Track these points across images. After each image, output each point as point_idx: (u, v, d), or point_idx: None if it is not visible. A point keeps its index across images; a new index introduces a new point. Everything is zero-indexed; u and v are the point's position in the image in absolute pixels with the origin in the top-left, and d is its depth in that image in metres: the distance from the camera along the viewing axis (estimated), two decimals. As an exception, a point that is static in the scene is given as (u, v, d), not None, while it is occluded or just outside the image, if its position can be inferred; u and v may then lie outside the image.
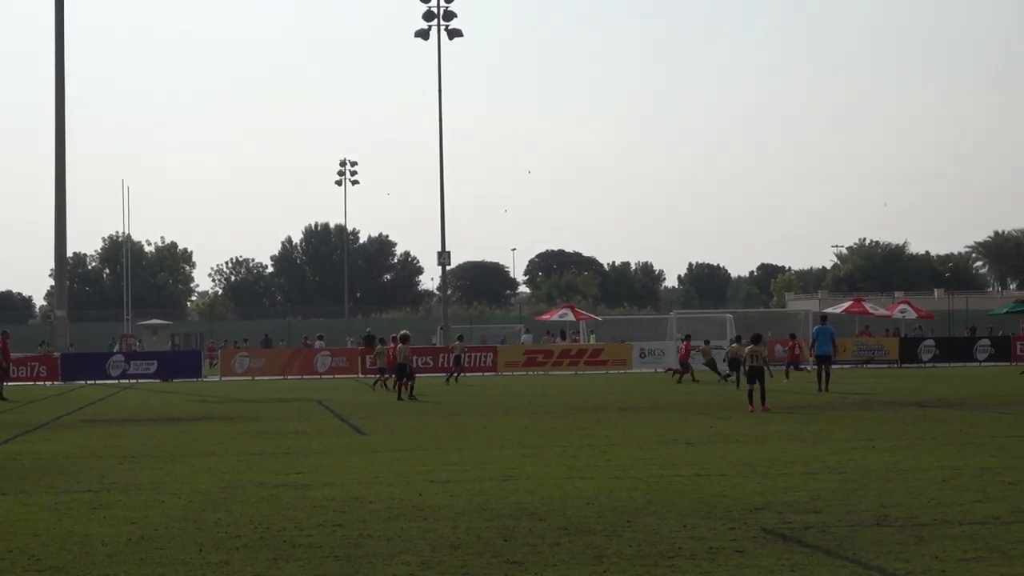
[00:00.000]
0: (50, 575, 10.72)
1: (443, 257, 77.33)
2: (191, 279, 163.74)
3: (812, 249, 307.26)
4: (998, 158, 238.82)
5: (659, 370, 59.74)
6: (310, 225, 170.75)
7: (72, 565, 11.05)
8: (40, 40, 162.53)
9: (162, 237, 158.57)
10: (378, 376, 46.32)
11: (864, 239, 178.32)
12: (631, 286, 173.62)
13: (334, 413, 32.16)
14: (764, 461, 18.50)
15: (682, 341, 50.63)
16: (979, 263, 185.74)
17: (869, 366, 62.37)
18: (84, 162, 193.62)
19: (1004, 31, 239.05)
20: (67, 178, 62.48)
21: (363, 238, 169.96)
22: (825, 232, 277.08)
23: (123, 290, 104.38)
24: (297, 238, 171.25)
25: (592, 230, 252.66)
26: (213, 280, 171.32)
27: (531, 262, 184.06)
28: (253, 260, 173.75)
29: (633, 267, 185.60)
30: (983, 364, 63.62)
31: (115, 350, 70.76)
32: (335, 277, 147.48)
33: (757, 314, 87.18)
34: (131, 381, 57.49)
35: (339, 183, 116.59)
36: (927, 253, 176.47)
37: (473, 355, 60.87)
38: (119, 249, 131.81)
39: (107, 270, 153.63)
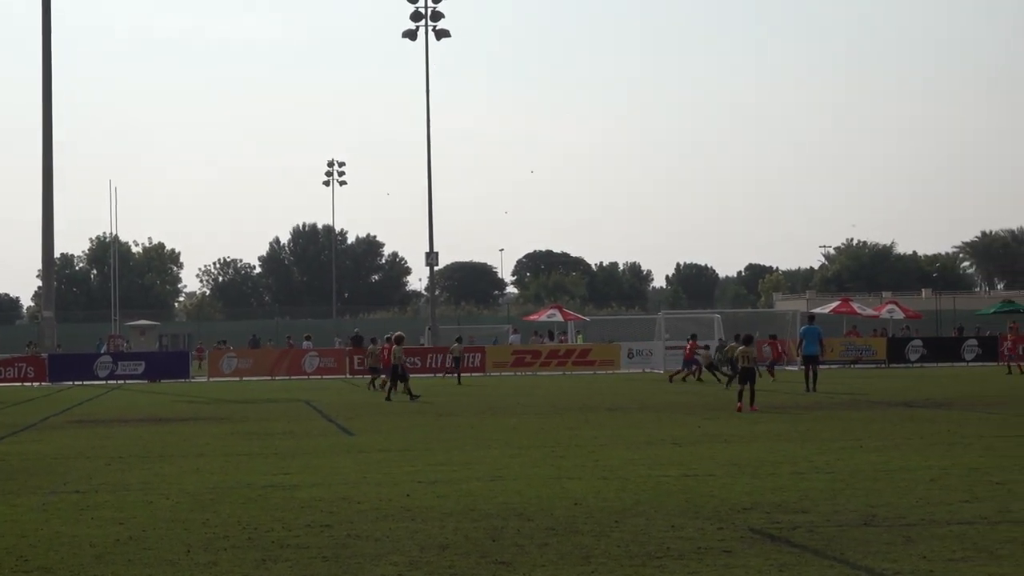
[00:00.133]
0: (38, 575, 10.73)
1: (431, 258, 77.31)
2: (179, 280, 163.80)
3: (800, 249, 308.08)
4: (986, 159, 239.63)
5: (646, 370, 59.79)
6: (298, 225, 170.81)
7: (60, 566, 11.03)
8: (27, 41, 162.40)
9: (149, 238, 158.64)
10: (373, 376, 46.29)
11: (852, 239, 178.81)
12: (619, 286, 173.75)
13: (322, 414, 32.14)
14: (752, 461, 18.51)
15: (688, 340, 50.60)
16: (966, 263, 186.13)
17: (857, 366, 62.43)
18: (71, 163, 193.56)
19: (993, 33, 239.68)
20: (54, 179, 62.52)
21: (351, 239, 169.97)
22: (813, 232, 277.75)
23: (111, 291, 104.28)
24: (285, 239, 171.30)
25: (580, 230, 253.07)
26: (201, 281, 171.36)
27: (519, 262, 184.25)
28: (241, 261, 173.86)
29: (621, 267, 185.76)
30: (970, 364, 63.75)
31: (103, 351, 70.63)
32: (323, 278, 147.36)
33: (745, 314, 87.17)
34: (119, 382, 57.42)
35: (327, 183, 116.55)
36: (915, 253, 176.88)
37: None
38: (106, 250, 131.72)
39: (95, 271, 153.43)
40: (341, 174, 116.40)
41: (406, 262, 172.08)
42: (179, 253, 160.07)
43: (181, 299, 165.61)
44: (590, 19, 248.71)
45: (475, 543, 11.84)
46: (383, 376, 43.43)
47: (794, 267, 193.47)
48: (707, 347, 49.56)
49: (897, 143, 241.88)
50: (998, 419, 26.79)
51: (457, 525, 12.89)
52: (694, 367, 48.25)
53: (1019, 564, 10.53)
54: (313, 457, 20.33)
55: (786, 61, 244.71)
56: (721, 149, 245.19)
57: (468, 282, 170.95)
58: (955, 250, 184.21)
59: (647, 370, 61.03)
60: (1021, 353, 55.39)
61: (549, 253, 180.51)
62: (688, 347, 49.74)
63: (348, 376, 59.69)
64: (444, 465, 18.68)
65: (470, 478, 16.89)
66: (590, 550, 11.39)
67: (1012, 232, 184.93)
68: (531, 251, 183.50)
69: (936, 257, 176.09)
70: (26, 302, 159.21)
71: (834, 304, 75.17)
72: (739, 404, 29.87)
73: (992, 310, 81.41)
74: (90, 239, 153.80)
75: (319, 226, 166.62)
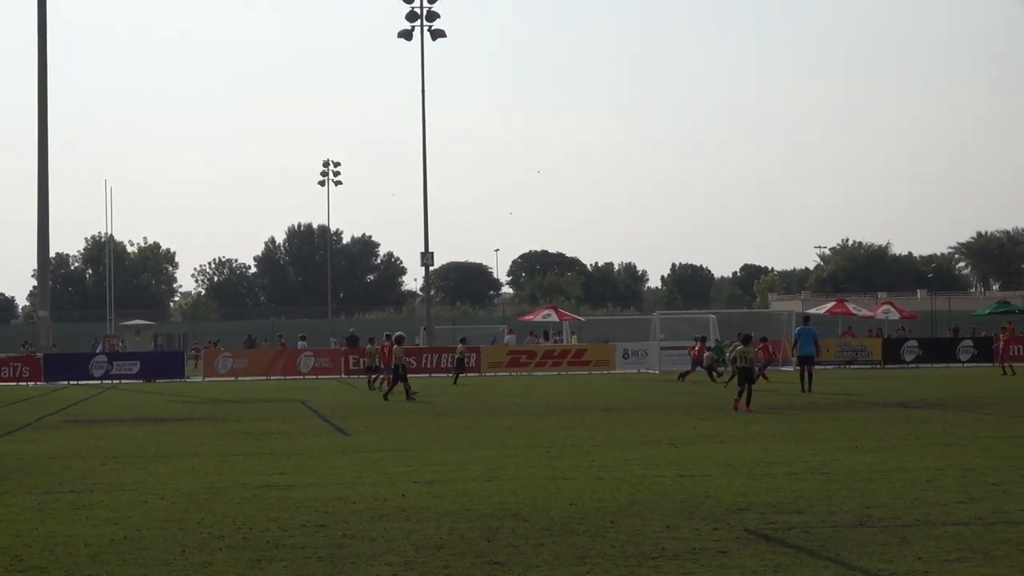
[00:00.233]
0: (33, 575, 10.73)
1: (426, 258, 77.27)
2: (174, 280, 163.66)
3: (795, 250, 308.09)
4: (981, 159, 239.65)
5: (641, 370, 59.81)
6: (293, 225, 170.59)
7: (55, 566, 11.03)
8: (22, 40, 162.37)
9: (145, 238, 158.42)
10: (370, 376, 46.29)
11: (847, 240, 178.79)
12: (614, 287, 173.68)
13: (317, 414, 32.13)
14: (747, 462, 18.52)
15: (696, 341, 50.58)
16: (962, 264, 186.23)
17: (852, 367, 62.46)
18: (67, 162, 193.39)
19: (988, 35, 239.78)
20: (50, 178, 62.43)
21: (346, 239, 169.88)
22: (808, 233, 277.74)
23: (106, 290, 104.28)
24: (280, 238, 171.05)
25: (575, 231, 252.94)
26: (196, 281, 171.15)
27: (514, 263, 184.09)
28: (236, 260, 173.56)
29: (616, 268, 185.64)
30: (966, 365, 63.78)
31: (98, 351, 70.55)
32: (318, 277, 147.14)
33: (740, 315, 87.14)
34: (114, 382, 57.39)
35: (322, 184, 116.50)
36: (910, 254, 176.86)
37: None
38: (102, 249, 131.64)
39: (90, 270, 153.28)
40: (336, 174, 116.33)
41: (401, 262, 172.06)
42: (174, 253, 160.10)
43: (176, 299, 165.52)
44: (588, 19, 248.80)
45: (470, 543, 11.85)
46: (383, 375, 43.49)
47: (789, 268, 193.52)
48: (710, 349, 49.60)
49: (893, 144, 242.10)
50: (993, 420, 26.81)
51: (452, 525, 12.89)
52: (698, 368, 48.39)
53: (1014, 565, 10.54)
54: (308, 457, 20.33)
55: (781, 63, 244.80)
56: (716, 150, 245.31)
57: (463, 282, 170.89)
58: (951, 251, 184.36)
59: (642, 370, 61.03)
60: (1013, 354, 55.45)
61: (544, 253, 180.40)
62: (696, 348, 49.73)
63: (343, 376, 59.67)
64: (440, 465, 18.68)
65: (465, 478, 16.89)
66: (585, 550, 11.40)
67: (1007, 233, 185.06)
68: (526, 251, 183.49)
69: (932, 258, 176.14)
70: (21, 302, 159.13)
71: (829, 305, 75.22)
72: (736, 401, 29.91)
73: (987, 311, 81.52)
74: (86, 239, 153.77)
75: (314, 226, 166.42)
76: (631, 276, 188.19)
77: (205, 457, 20.67)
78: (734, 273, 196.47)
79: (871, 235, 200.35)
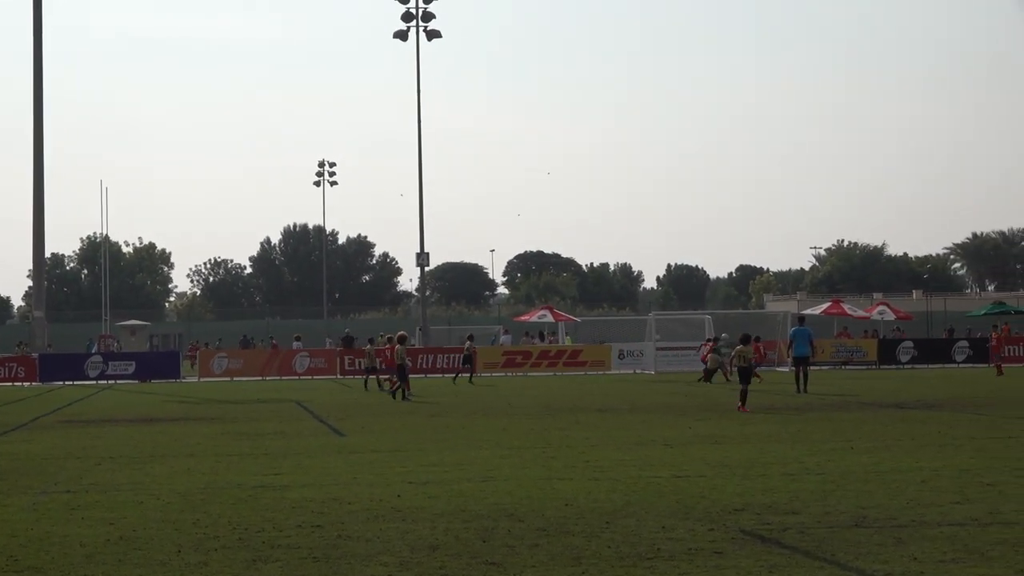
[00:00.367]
0: (28, 575, 10.72)
1: (422, 258, 77.25)
2: (169, 280, 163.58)
3: (791, 251, 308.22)
4: (976, 160, 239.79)
5: (637, 371, 59.81)
6: (289, 226, 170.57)
7: (50, 566, 11.03)
8: (18, 39, 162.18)
9: (140, 238, 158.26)
10: (368, 375, 46.27)
11: (843, 240, 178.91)
12: (610, 287, 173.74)
13: (313, 414, 32.12)
14: (743, 462, 18.53)
15: (706, 342, 50.48)
16: (957, 265, 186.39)
17: (847, 367, 62.49)
18: (63, 162, 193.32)
19: (985, 36, 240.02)
20: (45, 178, 62.40)
21: (342, 239, 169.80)
22: (804, 233, 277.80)
23: (101, 291, 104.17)
24: (276, 239, 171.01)
25: (571, 231, 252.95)
26: (191, 281, 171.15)
27: (510, 263, 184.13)
28: (232, 261, 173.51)
29: (612, 268, 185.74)
30: (961, 365, 63.81)
31: (93, 351, 70.57)
32: (314, 278, 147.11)
33: (736, 315, 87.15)
34: (109, 382, 57.38)
35: (318, 184, 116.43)
36: (905, 255, 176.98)
37: (452, 356, 60.95)
38: (97, 250, 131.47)
39: (85, 271, 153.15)
40: (332, 174, 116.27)
41: (397, 262, 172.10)
42: (170, 253, 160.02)
43: (172, 299, 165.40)
44: (586, 20, 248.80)
45: (466, 544, 11.85)
46: (387, 377, 43.49)
47: (785, 268, 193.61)
48: (718, 351, 49.53)
49: (888, 145, 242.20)
50: (988, 420, 26.83)
51: (448, 526, 12.89)
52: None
53: (1009, 565, 10.55)
54: (304, 457, 20.32)
55: (778, 64, 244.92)
56: (712, 151, 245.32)
57: (459, 283, 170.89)
58: (946, 251, 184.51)
59: (638, 371, 61.06)
60: (1007, 354, 55.54)
61: (540, 254, 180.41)
62: (706, 348, 49.63)
63: (339, 377, 59.65)
64: (435, 466, 18.68)
65: (461, 479, 16.89)
66: (581, 551, 11.40)
67: (1003, 234, 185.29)
68: (522, 252, 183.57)
69: (927, 258, 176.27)
70: (17, 302, 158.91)
71: (825, 305, 75.21)
72: (740, 405, 29.97)
73: (983, 312, 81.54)
74: (81, 239, 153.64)
75: (310, 226, 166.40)
76: (627, 277, 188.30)
77: (200, 457, 20.66)
78: (730, 274, 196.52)
79: (867, 236, 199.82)
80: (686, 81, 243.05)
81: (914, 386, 42.94)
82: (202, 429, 27.36)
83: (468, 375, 51.65)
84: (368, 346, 48.12)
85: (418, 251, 76.41)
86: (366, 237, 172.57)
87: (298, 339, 67.93)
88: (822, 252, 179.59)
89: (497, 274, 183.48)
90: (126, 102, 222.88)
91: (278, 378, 59.49)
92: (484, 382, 52.17)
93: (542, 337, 73.01)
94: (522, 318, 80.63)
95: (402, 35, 74.78)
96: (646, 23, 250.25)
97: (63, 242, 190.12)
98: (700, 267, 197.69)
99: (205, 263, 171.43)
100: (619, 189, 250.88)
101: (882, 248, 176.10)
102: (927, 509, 13.64)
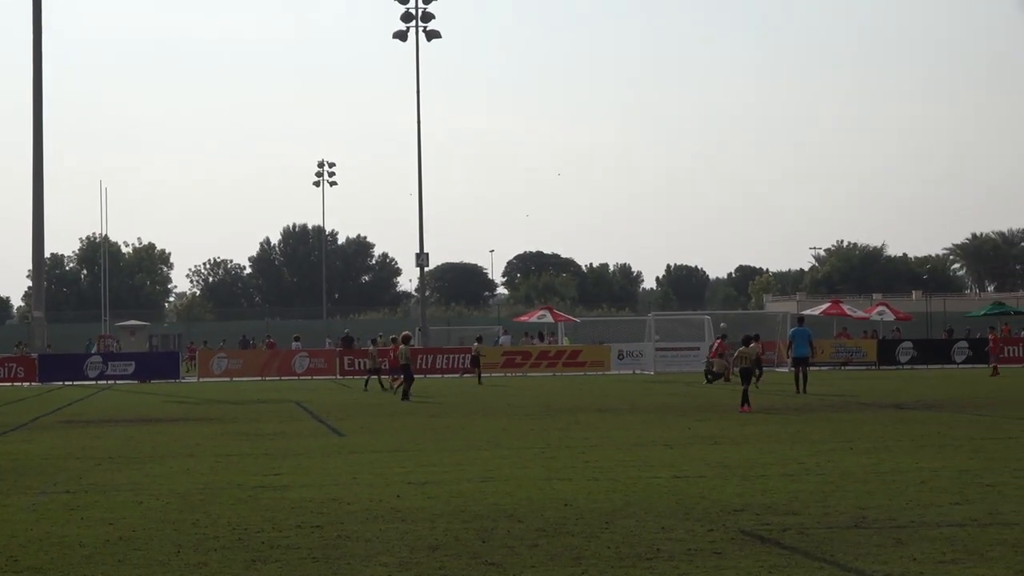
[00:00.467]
0: (27, 576, 10.72)
1: (421, 258, 77.24)
2: (169, 280, 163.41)
3: (790, 251, 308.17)
4: (976, 161, 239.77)
5: (636, 372, 59.81)
6: (288, 226, 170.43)
7: (50, 566, 11.02)
8: (17, 40, 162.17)
9: (139, 238, 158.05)
10: (369, 375, 46.28)
11: (842, 241, 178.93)
12: (609, 288, 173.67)
13: (312, 414, 32.13)
14: (742, 463, 18.53)
15: (717, 339, 50.36)
16: (957, 265, 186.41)
17: (847, 368, 62.48)
18: (62, 163, 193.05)
19: (985, 36, 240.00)
20: (45, 179, 62.40)
21: (341, 239, 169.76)
22: (803, 234, 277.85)
23: (100, 291, 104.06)
24: (275, 239, 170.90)
25: (571, 232, 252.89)
26: (191, 281, 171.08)
27: (509, 264, 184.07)
28: (231, 261, 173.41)
29: (611, 269, 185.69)
30: (960, 366, 63.81)
31: (93, 351, 70.56)
32: (313, 278, 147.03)
33: (735, 316, 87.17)
34: (109, 382, 57.38)
35: (317, 184, 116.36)
36: (905, 255, 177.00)
37: (451, 356, 60.99)
38: (96, 250, 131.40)
39: (85, 271, 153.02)
40: (331, 175, 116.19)
41: (396, 263, 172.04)
42: (169, 253, 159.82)
43: (171, 299, 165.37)
44: (586, 21, 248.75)
45: (465, 544, 11.84)
46: (391, 377, 43.51)
47: (784, 269, 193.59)
48: (723, 355, 49.43)
49: (888, 145, 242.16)
50: (988, 421, 26.83)
51: (447, 526, 12.89)
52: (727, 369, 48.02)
53: (1009, 566, 10.54)
54: (303, 458, 20.32)
55: (777, 64, 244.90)
56: (711, 151, 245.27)
57: (459, 283, 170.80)
58: (945, 252, 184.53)
59: (637, 371, 61.07)
60: (1005, 355, 55.55)
61: (539, 254, 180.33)
62: (715, 347, 49.51)
63: (338, 377, 59.65)
64: (434, 466, 18.68)
65: (460, 479, 16.89)
66: (580, 551, 11.40)
67: (1002, 234, 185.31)
68: (521, 252, 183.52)
69: (927, 259, 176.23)
70: (16, 302, 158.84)
71: (824, 306, 75.20)
72: (745, 407, 29.95)
73: (982, 312, 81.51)
74: (80, 239, 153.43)
75: (309, 227, 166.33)
76: (626, 277, 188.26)
77: (200, 458, 20.65)
78: (729, 274, 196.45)
79: (866, 236, 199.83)
80: (686, 81, 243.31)
81: (913, 387, 42.94)
82: (202, 429, 27.36)
83: (478, 376, 52.01)
84: (371, 347, 48.10)
85: (418, 251, 76.42)
86: (366, 237, 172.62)
87: (297, 339, 67.95)
88: (821, 252, 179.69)
89: (496, 274, 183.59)
90: (126, 102, 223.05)
91: (278, 378, 59.49)
92: (484, 382, 52.16)
93: (541, 337, 72.98)
94: (521, 318, 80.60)
95: (402, 35, 74.78)
96: (646, 23, 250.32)
97: (63, 242, 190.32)
98: (700, 267, 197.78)
99: (204, 263, 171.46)
100: (619, 189, 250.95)
101: (882, 248, 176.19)
102: (927, 510, 13.64)
